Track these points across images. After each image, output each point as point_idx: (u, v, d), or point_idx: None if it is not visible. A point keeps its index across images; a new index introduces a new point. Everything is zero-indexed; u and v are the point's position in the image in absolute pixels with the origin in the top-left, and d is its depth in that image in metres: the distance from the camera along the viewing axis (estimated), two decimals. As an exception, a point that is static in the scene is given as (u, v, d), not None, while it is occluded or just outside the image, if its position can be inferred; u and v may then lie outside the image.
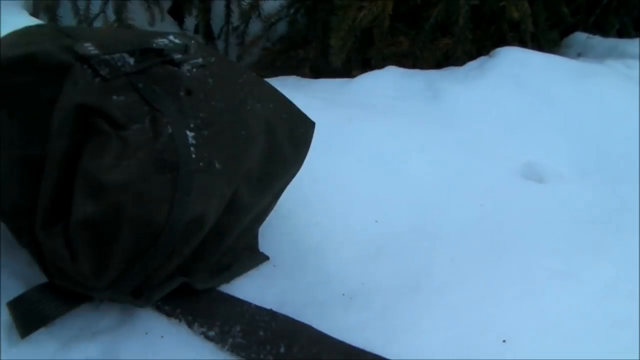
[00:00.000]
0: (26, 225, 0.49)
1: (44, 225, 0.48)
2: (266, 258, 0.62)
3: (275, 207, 0.63)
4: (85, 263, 0.46)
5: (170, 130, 0.48)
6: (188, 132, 0.49)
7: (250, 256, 0.61)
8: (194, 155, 0.48)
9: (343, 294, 0.58)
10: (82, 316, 0.52)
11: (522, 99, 0.96)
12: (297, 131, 0.59)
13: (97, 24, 1.34)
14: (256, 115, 0.55)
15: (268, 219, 0.63)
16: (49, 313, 0.49)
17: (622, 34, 1.47)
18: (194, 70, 0.53)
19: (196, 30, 1.53)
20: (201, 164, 0.49)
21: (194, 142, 0.49)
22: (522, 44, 1.24)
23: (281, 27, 1.47)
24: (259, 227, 0.62)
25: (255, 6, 1.42)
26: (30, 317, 0.49)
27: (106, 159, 0.45)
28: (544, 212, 0.74)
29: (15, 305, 0.49)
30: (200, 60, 0.54)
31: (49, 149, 0.47)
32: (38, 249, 0.49)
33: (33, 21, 1.05)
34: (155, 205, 0.46)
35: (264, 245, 0.63)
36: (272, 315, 0.54)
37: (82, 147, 0.47)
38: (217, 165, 0.50)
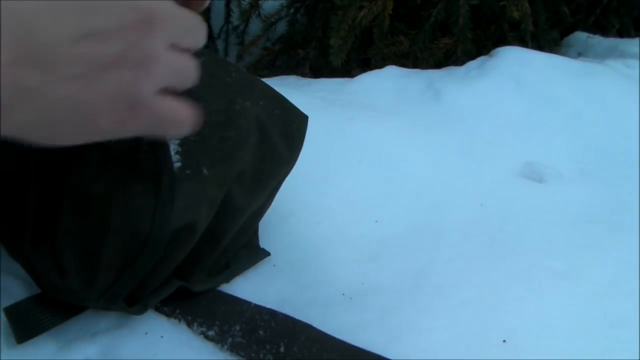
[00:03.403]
0: (18, 244, 0.49)
1: (32, 244, 0.47)
2: (267, 254, 0.61)
3: (276, 207, 0.63)
4: (74, 277, 0.46)
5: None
6: (173, 140, 0.48)
7: (249, 254, 0.60)
8: (179, 163, 0.47)
9: (343, 294, 0.58)
10: (81, 317, 0.52)
11: (522, 98, 0.96)
12: (291, 127, 0.58)
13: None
14: (246, 114, 0.53)
15: (268, 219, 0.63)
16: (44, 323, 0.49)
17: (622, 33, 1.47)
18: None
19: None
20: (188, 171, 0.47)
21: (179, 149, 0.47)
22: (523, 43, 1.25)
23: (281, 27, 1.47)
24: (256, 224, 0.62)
25: (255, 6, 1.42)
26: (25, 325, 0.49)
27: (88, 170, 0.45)
28: (544, 212, 0.74)
29: (11, 312, 0.49)
30: None
31: (30, 164, 0.47)
32: (30, 265, 0.49)
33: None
34: (138, 215, 0.45)
35: (263, 246, 0.63)
36: (272, 314, 0.54)
37: (63, 160, 0.46)
38: (204, 171, 0.48)
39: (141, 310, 0.51)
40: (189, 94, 0.50)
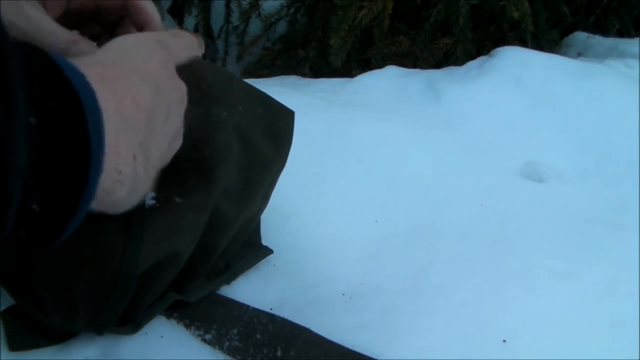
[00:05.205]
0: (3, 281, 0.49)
1: (11, 285, 0.47)
2: (270, 251, 0.61)
3: (276, 207, 0.63)
4: (55, 315, 0.46)
5: None
6: None
7: (252, 252, 0.60)
8: (154, 201, 0.46)
9: (343, 294, 0.58)
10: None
11: (522, 98, 0.96)
12: (276, 125, 0.55)
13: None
14: (223, 126, 0.50)
15: (268, 219, 0.63)
16: (37, 341, 0.49)
17: (622, 33, 1.47)
18: None
19: (196, 30, 1.53)
20: (157, 204, 0.46)
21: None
22: (522, 43, 1.25)
23: (281, 27, 1.47)
24: (255, 223, 0.61)
25: (255, 6, 1.42)
26: (19, 336, 0.48)
27: None
28: (544, 212, 0.74)
29: (7, 318, 0.49)
30: None
31: None
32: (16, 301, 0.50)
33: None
34: (108, 252, 0.44)
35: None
36: (270, 317, 0.54)
37: None
38: (177, 199, 0.47)
39: (134, 330, 0.50)
40: None
